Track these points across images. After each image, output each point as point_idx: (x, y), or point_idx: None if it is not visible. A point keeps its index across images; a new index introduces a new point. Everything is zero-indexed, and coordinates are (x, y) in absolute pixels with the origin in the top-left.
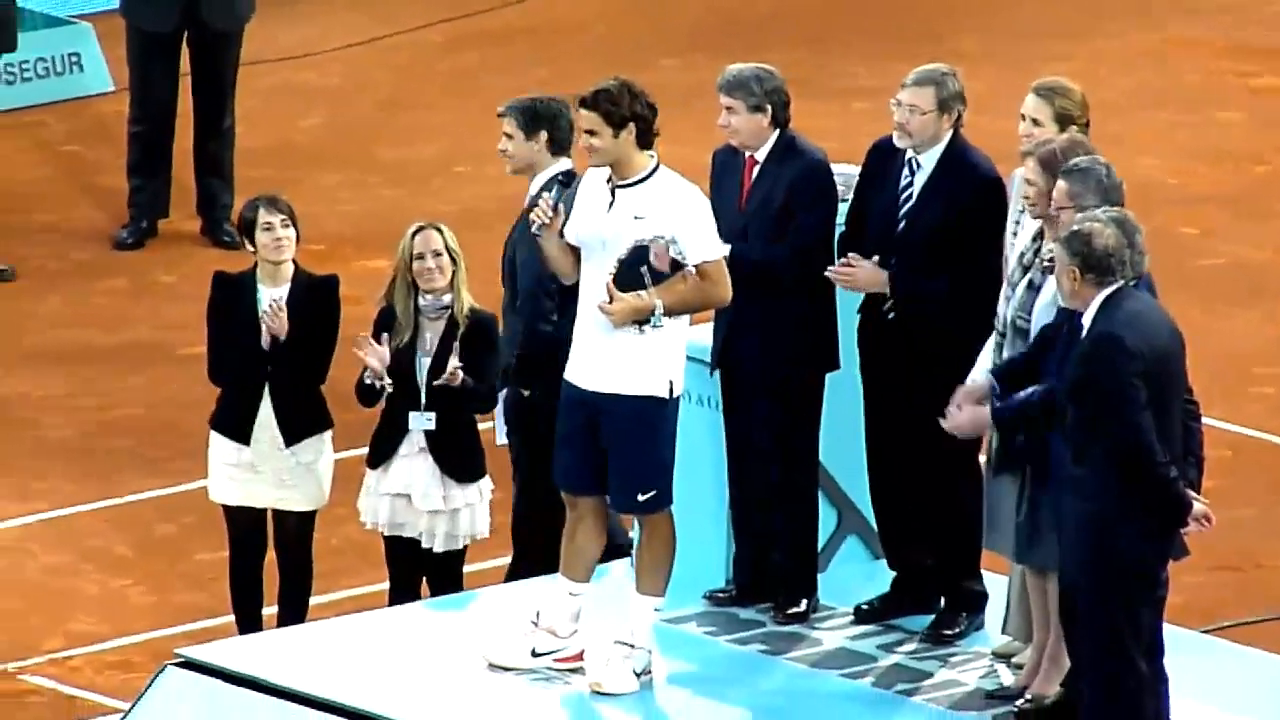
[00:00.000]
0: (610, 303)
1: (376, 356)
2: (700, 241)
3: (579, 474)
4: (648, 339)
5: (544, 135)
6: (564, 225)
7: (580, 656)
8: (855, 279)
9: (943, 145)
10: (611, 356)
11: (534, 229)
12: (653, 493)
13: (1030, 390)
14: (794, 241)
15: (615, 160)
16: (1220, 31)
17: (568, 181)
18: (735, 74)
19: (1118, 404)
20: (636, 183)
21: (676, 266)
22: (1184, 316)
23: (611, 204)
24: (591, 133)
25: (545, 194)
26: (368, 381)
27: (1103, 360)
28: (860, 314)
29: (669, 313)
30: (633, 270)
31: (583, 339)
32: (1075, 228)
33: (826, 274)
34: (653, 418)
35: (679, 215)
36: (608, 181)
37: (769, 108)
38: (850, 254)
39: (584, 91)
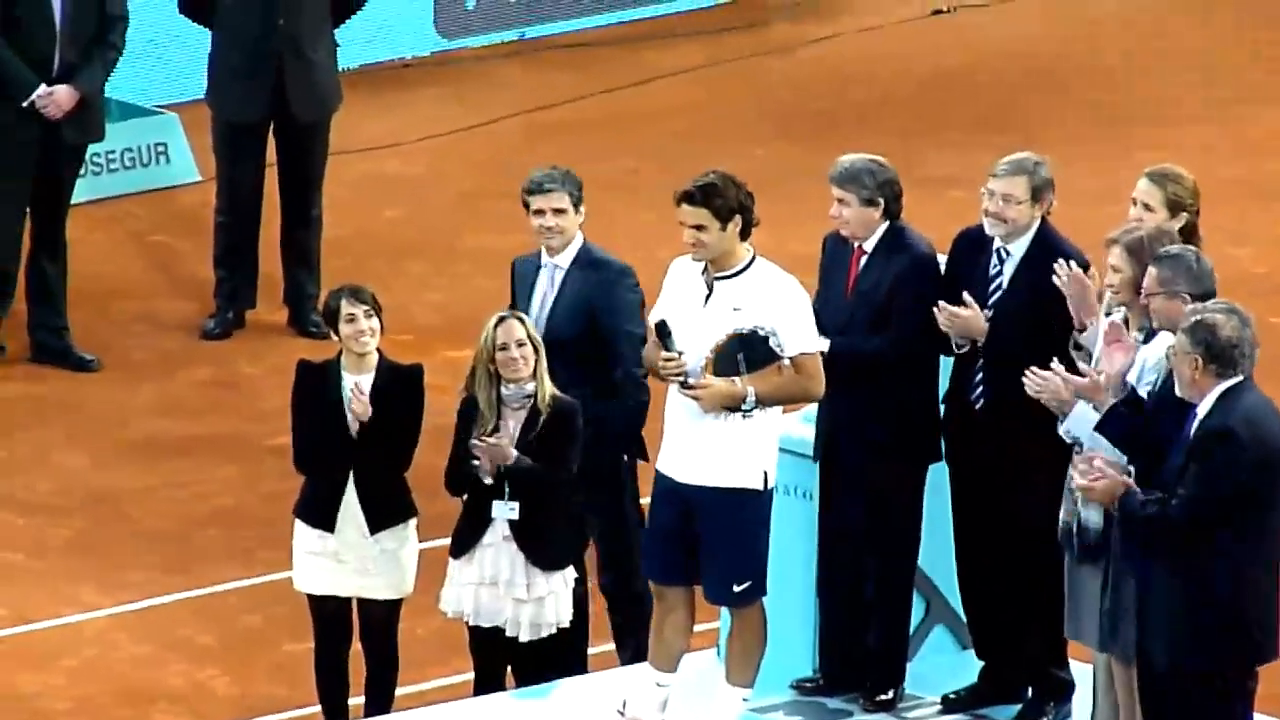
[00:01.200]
0: (699, 388)
1: (499, 454)
2: (798, 333)
3: (672, 566)
4: (742, 430)
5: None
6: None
7: None
8: (955, 322)
9: (1031, 234)
10: (706, 448)
11: (679, 386)
12: (748, 584)
13: (1160, 507)
14: (896, 332)
15: (719, 253)
16: None
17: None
18: (848, 166)
19: (1230, 497)
20: (736, 274)
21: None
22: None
23: (709, 296)
24: (699, 228)
25: (665, 353)
26: (475, 472)
27: (1215, 454)
28: (945, 404)
29: (761, 403)
30: (729, 360)
31: (674, 428)
32: (1198, 317)
33: (936, 311)
34: (748, 509)
35: (778, 306)
36: (703, 273)
37: (881, 200)
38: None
39: (684, 186)
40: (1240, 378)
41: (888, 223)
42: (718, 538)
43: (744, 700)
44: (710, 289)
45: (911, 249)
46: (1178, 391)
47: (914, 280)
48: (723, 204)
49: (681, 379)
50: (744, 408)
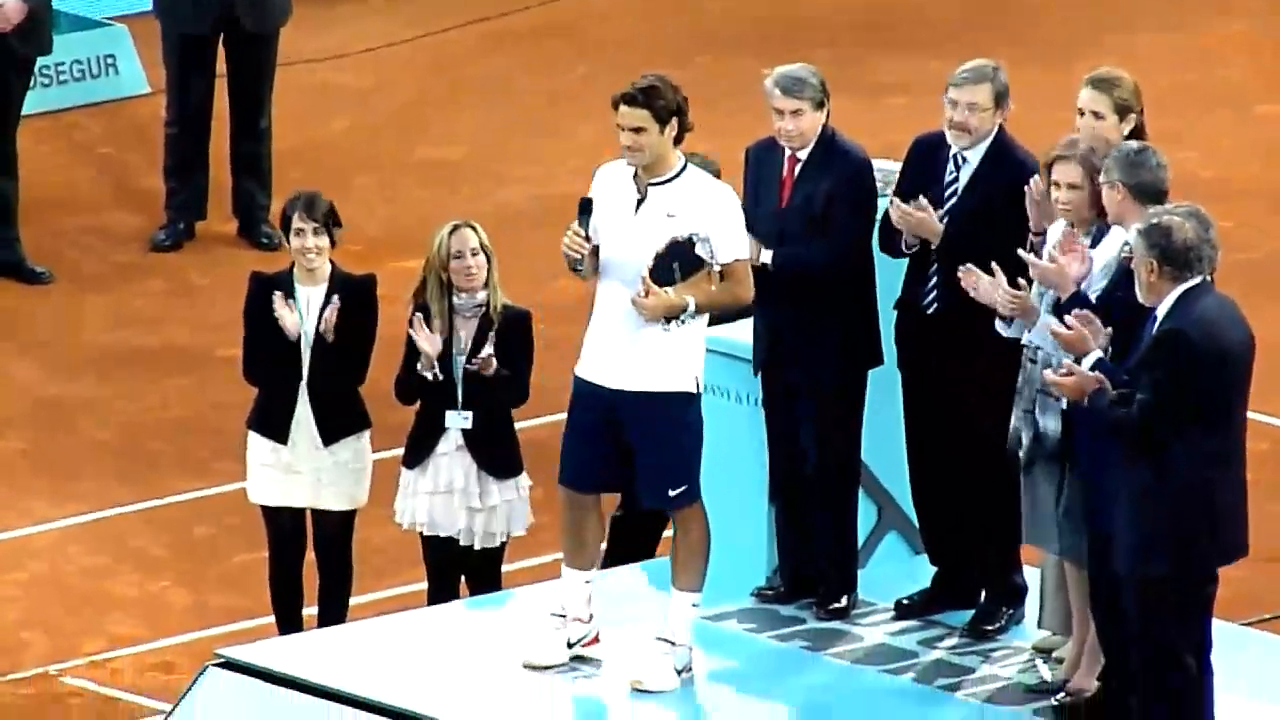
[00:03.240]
0: (646, 296)
1: (428, 340)
2: (731, 241)
3: (596, 472)
4: (673, 336)
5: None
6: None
7: (598, 639)
8: (909, 220)
9: (988, 141)
10: (637, 354)
11: (571, 265)
12: (684, 487)
13: (1126, 409)
14: (834, 241)
15: (655, 158)
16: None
17: (587, 207)
18: (795, 74)
19: (1171, 399)
20: (669, 180)
21: None
22: None
23: (641, 201)
24: (639, 130)
25: (575, 227)
26: (418, 370)
27: (1165, 356)
28: (897, 310)
29: (698, 310)
30: (665, 267)
31: (603, 336)
32: (1154, 220)
33: (890, 208)
34: (682, 413)
35: (712, 214)
36: (635, 179)
37: (826, 104)
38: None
39: (624, 89)
40: (1198, 279)
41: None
42: (652, 442)
43: (694, 606)
44: (644, 195)
45: (848, 155)
46: (1138, 296)
47: (853, 187)
48: (663, 106)
49: (576, 260)
50: (683, 317)
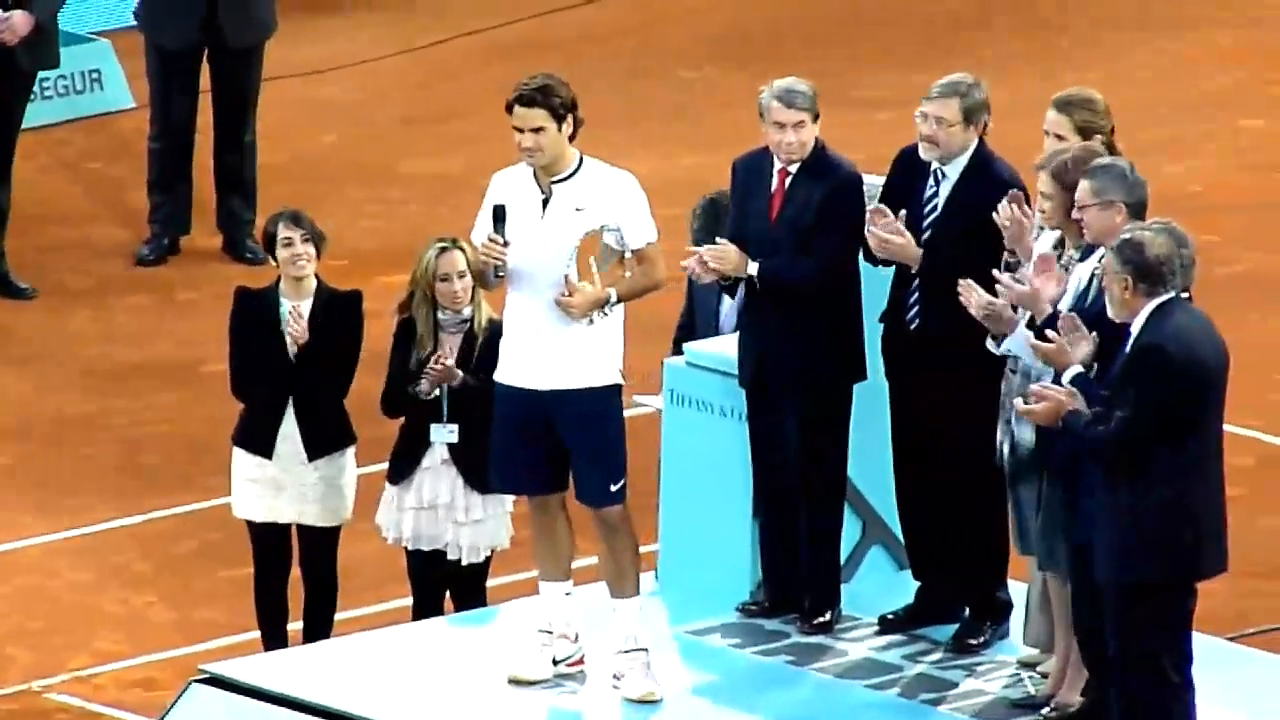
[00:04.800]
0: (570, 296)
1: (447, 375)
2: (640, 226)
3: (544, 474)
4: (596, 329)
5: None
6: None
7: (583, 661)
8: (887, 248)
9: (968, 156)
10: (564, 352)
11: (491, 273)
12: (622, 481)
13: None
14: (822, 255)
15: (555, 156)
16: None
17: (502, 214)
18: (794, 87)
19: (1145, 411)
20: (570, 175)
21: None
22: None
23: (547, 201)
24: (539, 130)
25: (491, 234)
26: (414, 391)
27: (1142, 370)
28: (883, 324)
29: (619, 300)
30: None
31: (525, 339)
32: (1127, 236)
33: (868, 232)
34: (612, 406)
35: (619, 202)
36: (535, 180)
37: (819, 116)
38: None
39: (518, 90)
40: (1170, 294)
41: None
42: (588, 439)
43: (640, 608)
44: (548, 194)
45: (839, 169)
46: (1109, 313)
47: (842, 202)
48: (559, 103)
49: (496, 266)
50: (606, 309)
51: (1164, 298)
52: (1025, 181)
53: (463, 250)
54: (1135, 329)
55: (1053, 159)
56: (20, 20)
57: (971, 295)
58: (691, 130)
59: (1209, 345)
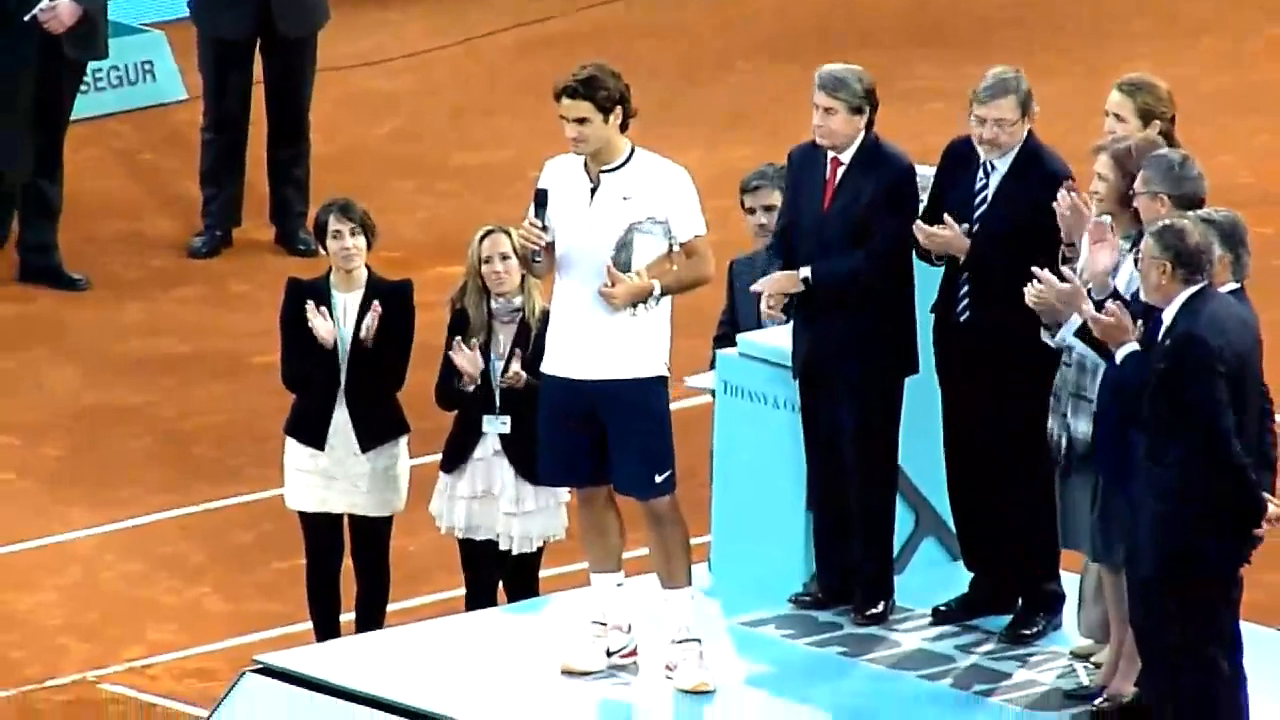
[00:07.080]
0: (612, 286)
1: (469, 360)
2: (688, 219)
3: (588, 466)
4: (640, 321)
5: None
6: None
7: (636, 652)
8: (934, 241)
9: (1017, 147)
10: (609, 343)
11: (529, 255)
12: (669, 472)
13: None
14: (875, 248)
15: (602, 146)
16: None
17: (544, 198)
18: (837, 73)
19: (1200, 405)
20: (620, 166)
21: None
22: (1259, 316)
23: (595, 190)
24: (582, 121)
25: (531, 218)
26: (457, 385)
27: (1185, 361)
28: (934, 315)
29: (665, 292)
30: (627, 254)
31: (571, 329)
32: (1168, 222)
33: (915, 229)
34: (657, 398)
35: (668, 194)
36: (585, 169)
37: (866, 109)
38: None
39: (564, 81)
40: (1204, 283)
41: (863, 133)
42: (633, 430)
43: (691, 597)
44: (596, 183)
45: (892, 161)
46: (1143, 296)
47: (895, 194)
48: (605, 95)
49: (534, 251)
50: (650, 302)
51: (1199, 285)
52: (1076, 172)
53: (508, 234)
54: (1168, 317)
55: (1114, 143)
56: (66, 9)
57: (1034, 288)
58: (743, 122)
59: (1243, 330)
